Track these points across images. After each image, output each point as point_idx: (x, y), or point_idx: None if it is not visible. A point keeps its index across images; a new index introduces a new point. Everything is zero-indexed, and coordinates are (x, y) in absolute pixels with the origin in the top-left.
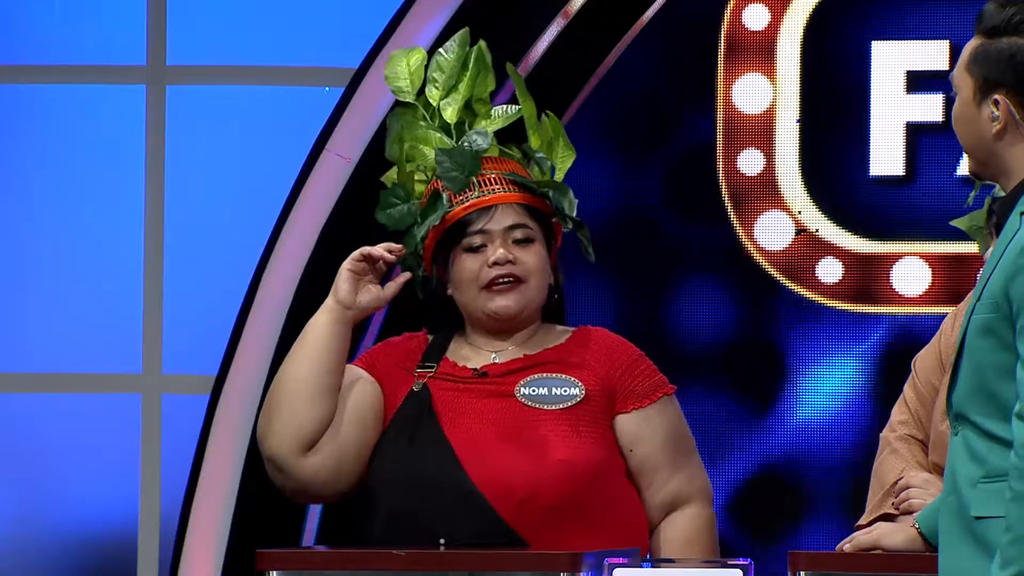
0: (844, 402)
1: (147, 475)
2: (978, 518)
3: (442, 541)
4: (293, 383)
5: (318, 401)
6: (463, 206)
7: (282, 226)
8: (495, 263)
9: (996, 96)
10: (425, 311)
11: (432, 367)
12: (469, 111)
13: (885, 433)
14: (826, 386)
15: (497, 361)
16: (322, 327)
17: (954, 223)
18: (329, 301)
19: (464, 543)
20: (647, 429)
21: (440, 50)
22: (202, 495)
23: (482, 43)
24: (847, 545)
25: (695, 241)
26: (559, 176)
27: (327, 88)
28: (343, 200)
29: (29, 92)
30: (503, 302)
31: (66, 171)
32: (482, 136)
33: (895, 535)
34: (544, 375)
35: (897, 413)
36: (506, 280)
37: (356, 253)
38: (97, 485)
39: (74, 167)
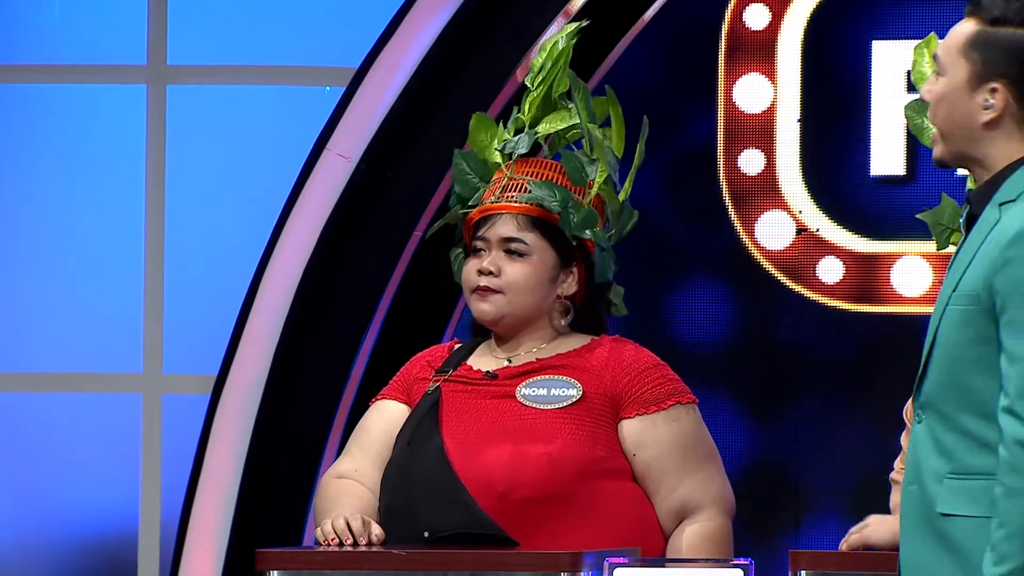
0: (844, 401)
1: (147, 475)
2: (944, 515)
3: (426, 534)
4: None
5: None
6: (477, 209)
7: (283, 226)
8: (479, 272)
9: (995, 85)
10: (421, 314)
11: (447, 371)
12: (547, 105)
13: (890, 476)
14: (827, 385)
15: (510, 365)
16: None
17: (920, 216)
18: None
19: (447, 536)
20: (651, 435)
21: (559, 37)
22: (202, 495)
23: (571, 43)
24: (844, 545)
25: (696, 240)
26: (595, 190)
27: (328, 88)
28: (344, 200)
29: (30, 92)
30: (482, 306)
31: (67, 171)
32: (523, 142)
33: (881, 530)
34: (545, 377)
35: (897, 463)
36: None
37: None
38: (98, 485)
39: (75, 167)
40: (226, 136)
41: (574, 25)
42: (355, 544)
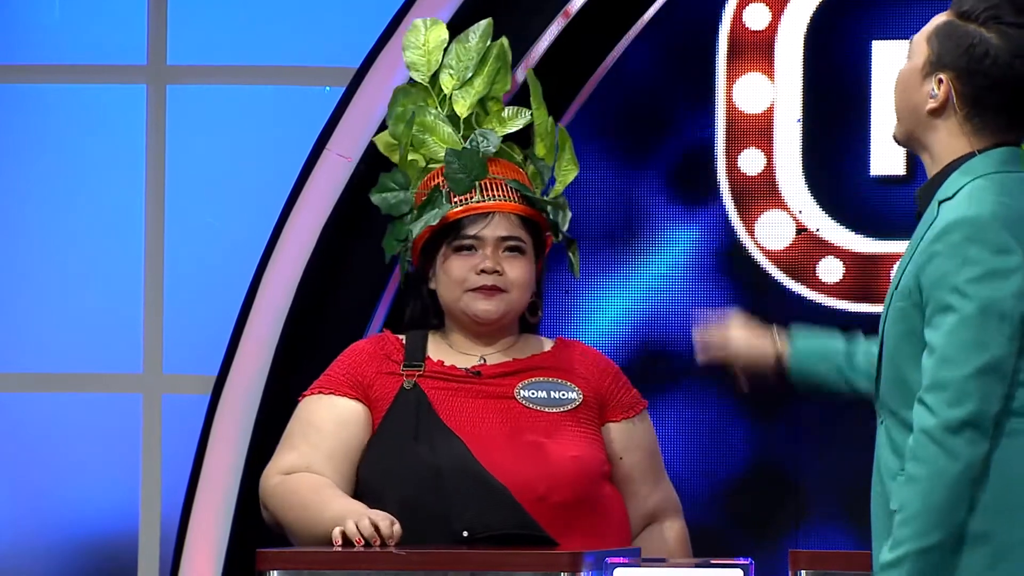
0: (845, 401)
1: (147, 475)
2: (896, 512)
3: (465, 533)
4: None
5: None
6: (463, 208)
7: (282, 226)
8: (483, 271)
9: (942, 75)
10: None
11: (419, 365)
12: (480, 107)
13: None
14: None
15: (487, 363)
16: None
17: None
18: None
19: (488, 536)
20: (634, 439)
21: (460, 37)
22: (203, 495)
23: (504, 40)
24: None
25: (695, 240)
26: (559, 188)
27: (327, 88)
28: (344, 200)
29: (30, 92)
30: (485, 306)
31: (66, 171)
32: (491, 138)
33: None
34: (541, 379)
35: None
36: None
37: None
38: (97, 485)
39: (74, 167)
40: (226, 136)
41: (433, 31)
42: (383, 545)
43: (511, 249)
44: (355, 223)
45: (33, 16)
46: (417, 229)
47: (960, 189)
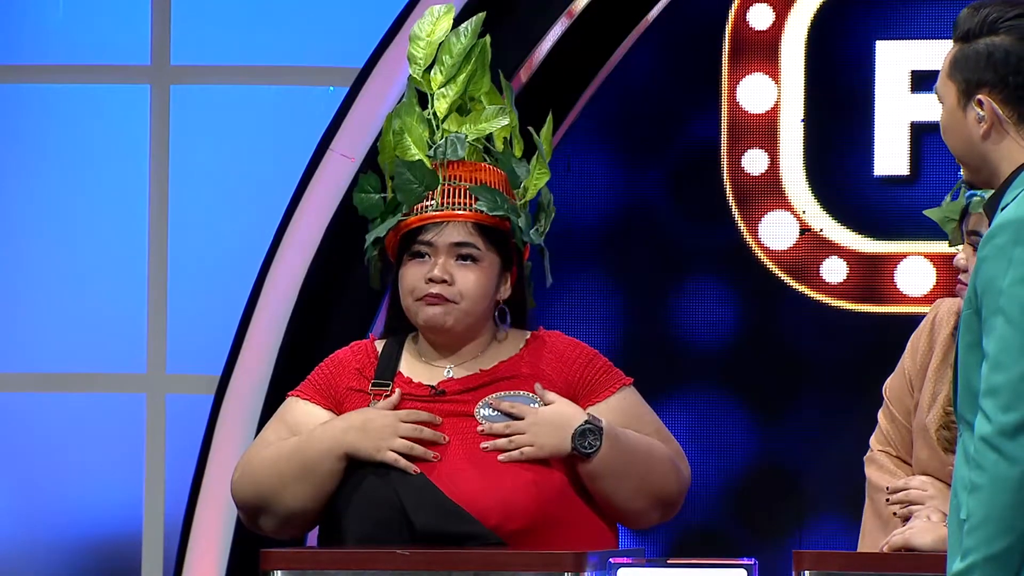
0: (848, 401)
1: (151, 475)
2: (965, 520)
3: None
4: (295, 505)
5: (313, 516)
6: (418, 216)
7: (286, 226)
8: (430, 279)
9: (979, 96)
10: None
11: (387, 385)
12: (461, 107)
13: (866, 456)
14: (830, 385)
15: (452, 376)
16: (333, 466)
17: (927, 213)
18: (356, 445)
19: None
20: (607, 419)
21: (456, 30)
22: (206, 494)
23: (487, 39)
24: (886, 547)
25: (699, 240)
26: (531, 193)
27: (331, 88)
28: (347, 200)
29: (33, 92)
30: (432, 312)
31: (70, 171)
32: (460, 143)
33: (925, 535)
34: (503, 393)
35: (875, 443)
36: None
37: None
38: (101, 485)
39: (78, 167)
40: (229, 136)
41: (445, 16)
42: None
43: (464, 257)
44: (359, 223)
45: (37, 16)
46: (377, 233)
47: (1018, 194)
